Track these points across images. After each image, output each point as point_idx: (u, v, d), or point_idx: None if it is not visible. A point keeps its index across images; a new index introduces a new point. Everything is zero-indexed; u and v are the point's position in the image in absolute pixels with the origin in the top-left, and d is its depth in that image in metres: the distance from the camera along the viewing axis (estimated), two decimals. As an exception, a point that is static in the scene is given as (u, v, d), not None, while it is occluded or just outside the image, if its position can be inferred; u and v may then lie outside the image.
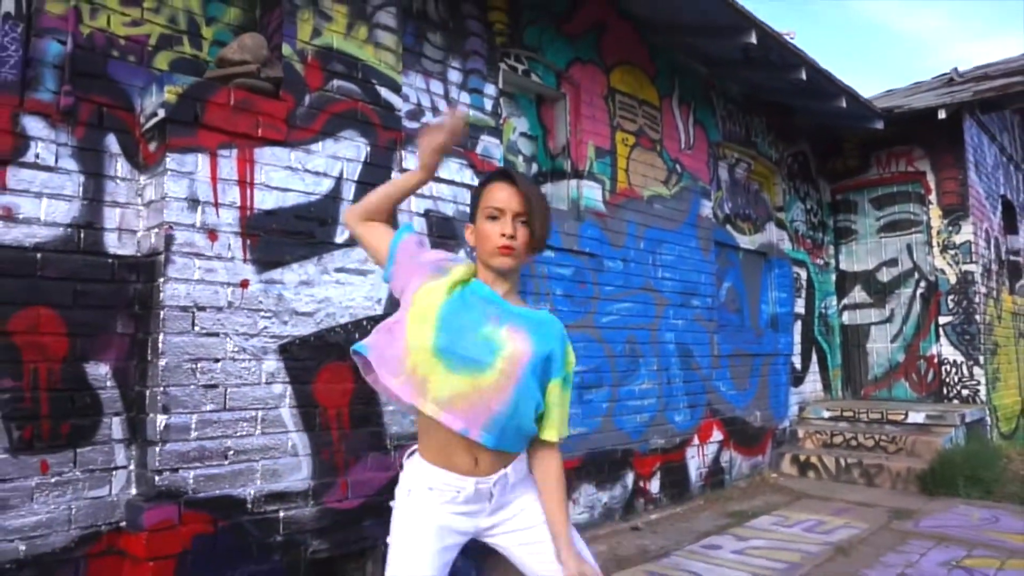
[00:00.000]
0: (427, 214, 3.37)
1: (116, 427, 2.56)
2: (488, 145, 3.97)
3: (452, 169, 3.51)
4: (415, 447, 1.64)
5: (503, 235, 1.56)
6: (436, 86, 3.75)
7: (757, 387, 6.15)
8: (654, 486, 4.88)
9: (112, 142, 2.63)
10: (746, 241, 6.54)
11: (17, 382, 2.36)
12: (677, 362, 5.21)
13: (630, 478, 4.69)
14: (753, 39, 4.85)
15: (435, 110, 3.70)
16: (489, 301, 1.60)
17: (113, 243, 2.61)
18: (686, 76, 5.61)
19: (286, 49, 2.92)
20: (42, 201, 2.45)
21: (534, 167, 4.68)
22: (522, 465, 1.65)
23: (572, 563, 1.54)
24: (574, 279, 4.46)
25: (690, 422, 5.27)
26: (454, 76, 3.85)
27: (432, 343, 1.51)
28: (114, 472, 2.54)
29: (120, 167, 2.64)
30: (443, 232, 3.43)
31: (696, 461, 5.30)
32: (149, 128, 2.61)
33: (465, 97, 3.89)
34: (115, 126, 2.63)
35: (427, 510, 1.56)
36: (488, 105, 4.03)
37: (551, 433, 1.62)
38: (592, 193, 4.67)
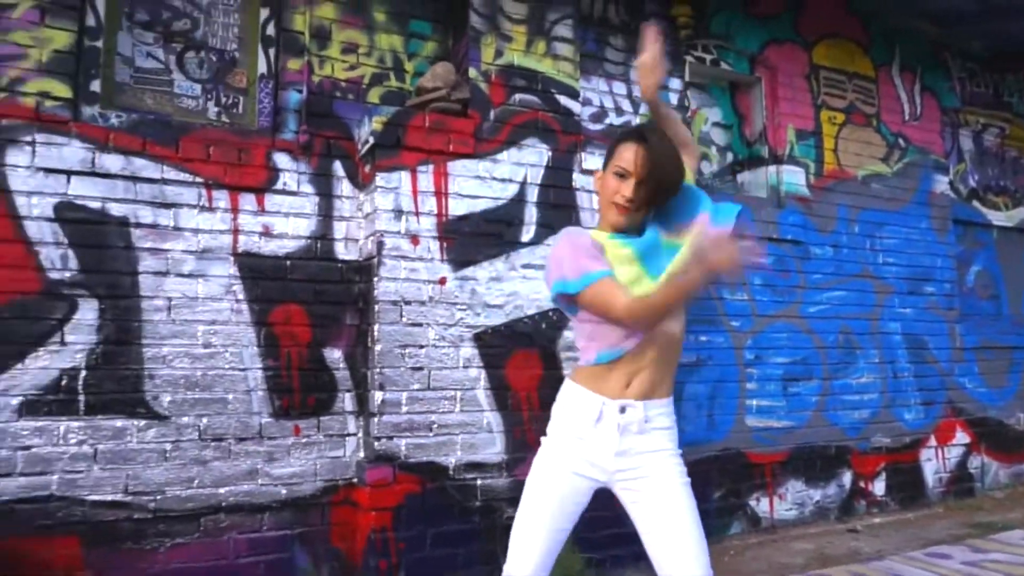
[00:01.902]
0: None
1: (348, 401, 3.12)
2: (674, 138, 4.02)
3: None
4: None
5: (623, 196, 1.66)
6: (619, 87, 3.91)
7: (1019, 384, 5.33)
8: (878, 488, 4.50)
9: (338, 168, 3.21)
10: (1002, 218, 5.69)
11: (276, 362, 3.00)
12: (905, 354, 4.74)
13: (847, 477, 4.39)
14: (986, -13, 4.28)
15: (618, 110, 3.87)
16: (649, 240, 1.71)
17: (341, 251, 3.18)
18: (909, 40, 5.08)
19: (472, 72, 3.30)
20: (289, 219, 3.08)
21: (729, 156, 4.61)
22: (663, 417, 1.69)
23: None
24: (775, 268, 4.31)
25: (924, 420, 4.76)
26: (637, 75, 3.97)
27: (648, 276, 1.65)
28: (347, 438, 3.10)
29: (345, 188, 3.22)
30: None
31: (933, 464, 4.77)
32: (364, 153, 3.14)
33: (649, 94, 3.99)
34: (340, 154, 3.21)
35: (559, 455, 1.70)
36: (674, 99, 4.08)
37: None
38: (794, 178, 4.47)
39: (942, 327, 4.93)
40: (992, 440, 5.08)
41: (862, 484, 4.45)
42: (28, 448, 2.59)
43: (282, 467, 2.96)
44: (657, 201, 1.71)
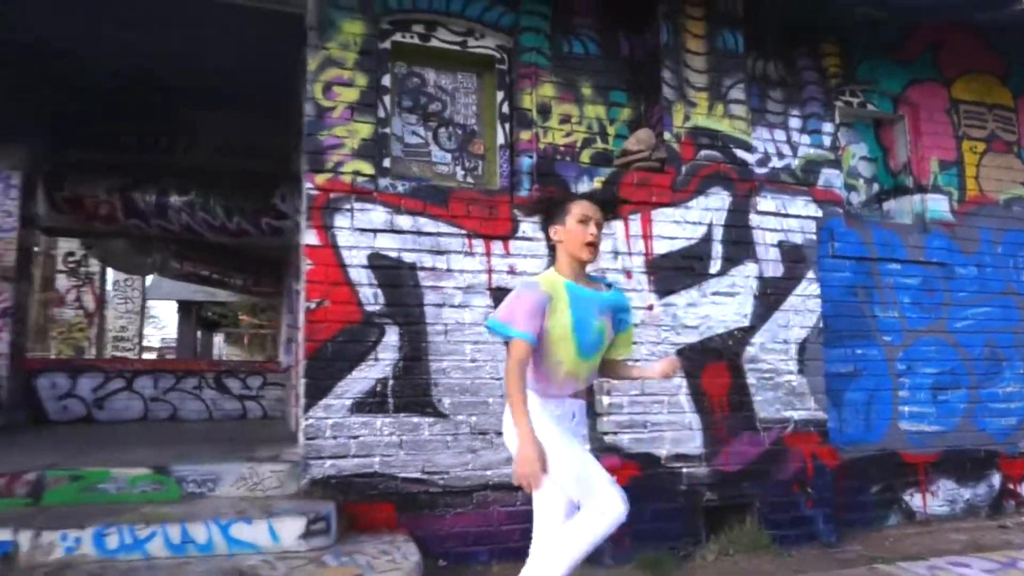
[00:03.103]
0: (780, 244, 4.16)
1: (574, 404, 3.88)
2: (829, 176, 4.61)
3: (798, 205, 4.25)
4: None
5: (592, 235, 2.25)
6: (779, 135, 4.54)
7: None
8: (1026, 489, 4.89)
9: (561, 217, 3.99)
10: None
11: (521, 373, 3.80)
12: (1052, 366, 5.09)
13: (996, 479, 4.81)
14: (1125, 25, 4.62)
15: (779, 155, 4.50)
16: (589, 299, 2.27)
17: (565, 283, 3.96)
18: (1046, 69, 5.42)
19: (666, 135, 4.02)
20: (527, 260, 3.89)
21: (875, 187, 5.12)
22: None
23: (658, 365, 2.41)
24: (921, 288, 4.80)
25: (1071, 427, 5.09)
26: (794, 123, 4.59)
27: (576, 353, 2.25)
28: (574, 434, 3.86)
29: (566, 233, 3.99)
30: (794, 257, 4.18)
31: (1081, 468, 5.08)
32: (584, 205, 3.91)
33: (805, 139, 4.60)
34: (562, 206, 3.99)
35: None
36: (826, 141, 4.67)
37: (624, 352, 2.46)
38: (938, 205, 4.94)
39: (1088, 339, 5.24)
40: None
41: (1011, 486, 4.85)
42: (357, 437, 3.50)
43: (528, 456, 3.75)
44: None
